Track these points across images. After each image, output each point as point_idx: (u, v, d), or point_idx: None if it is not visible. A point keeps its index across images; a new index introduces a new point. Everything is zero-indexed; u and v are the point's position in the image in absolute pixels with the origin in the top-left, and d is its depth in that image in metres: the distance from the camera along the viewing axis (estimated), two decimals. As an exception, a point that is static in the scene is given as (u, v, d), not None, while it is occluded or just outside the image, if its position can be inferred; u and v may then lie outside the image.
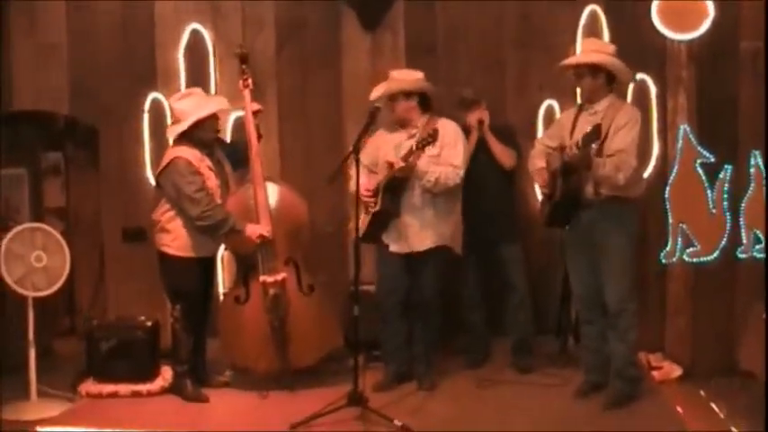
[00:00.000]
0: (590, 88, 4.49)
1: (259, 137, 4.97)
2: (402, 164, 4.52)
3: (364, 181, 4.69)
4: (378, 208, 4.68)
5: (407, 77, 4.83)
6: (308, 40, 5.75)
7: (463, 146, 4.77)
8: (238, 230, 4.69)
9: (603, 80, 4.47)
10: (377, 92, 4.82)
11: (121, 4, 5.74)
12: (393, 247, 4.78)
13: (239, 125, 5.60)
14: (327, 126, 5.72)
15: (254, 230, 4.72)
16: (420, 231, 4.71)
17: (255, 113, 4.95)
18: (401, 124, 4.82)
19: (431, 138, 4.45)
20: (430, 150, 4.54)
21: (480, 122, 5.01)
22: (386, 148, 4.78)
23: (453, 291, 5.26)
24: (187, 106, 4.75)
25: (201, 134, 4.74)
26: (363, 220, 4.72)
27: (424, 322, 4.85)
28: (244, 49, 5.09)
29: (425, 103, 4.84)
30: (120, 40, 5.76)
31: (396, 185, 4.67)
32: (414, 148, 4.49)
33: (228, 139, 5.50)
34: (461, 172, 4.70)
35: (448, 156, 4.68)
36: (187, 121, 4.70)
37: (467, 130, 5.03)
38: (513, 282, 5.15)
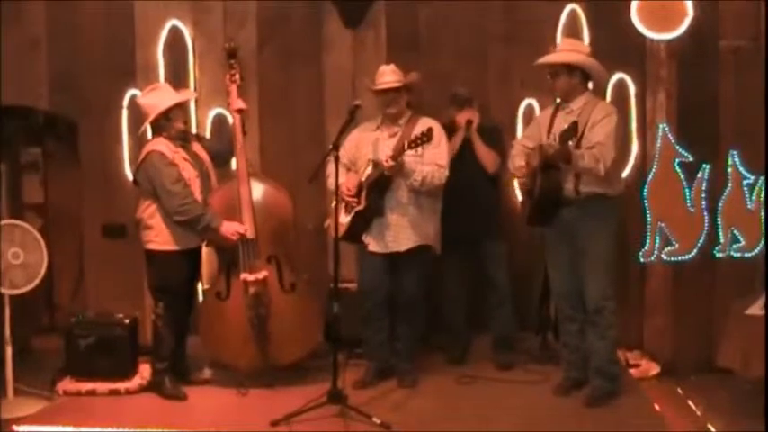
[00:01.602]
0: (565, 87, 4.51)
1: (243, 134, 4.96)
2: (392, 162, 4.48)
3: (344, 180, 4.67)
4: (362, 207, 4.65)
5: (398, 73, 4.78)
6: (290, 37, 5.73)
7: (446, 146, 4.76)
8: (214, 228, 4.68)
9: (579, 79, 4.50)
10: (386, 82, 4.71)
11: (102, -2, 5.72)
12: (374, 247, 4.74)
13: (219, 121, 5.60)
14: (309, 122, 5.71)
15: (229, 228, 4.71)
16: (404, 231, 4.69)
17: (239, 112, 4.92)
18: (393, 120, 4.78)
19: (426, 137, 4.41)
20: (412, 151, 4.51)
21: (469, 123, 5.02)
22: (365, 146, 4.77)
23: (435, 288, 5.28)
24: (152, 100, 4.75)
25: (170, 125, 4.74)
26: (343, 219, 4.70)
27: (408, 321, 4.84)
28: (233, 44, 5.05)
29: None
30: (101, 36, 5.72)
31: (382, 184, 4.64)
32: (406, 146, 4.45)
33: (208, 135, 5.50)
34: (446, 172, 4.68)
35: (433, 155, 4.65)
36: (151, 115, 4.70)
37: (454, 128, 5.04)
38: (495, 279, 5.16)
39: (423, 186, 4.62)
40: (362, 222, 4.69)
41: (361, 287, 4.93)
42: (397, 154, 4.49)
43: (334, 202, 4.69)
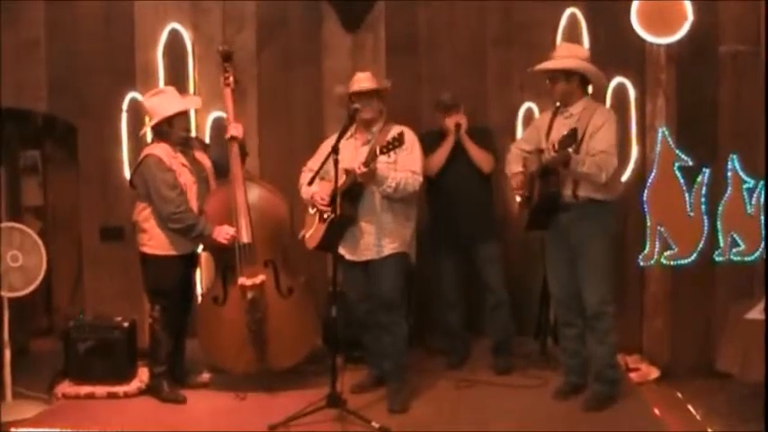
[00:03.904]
0: (564, 92, 4.49)
1: (246, 154, 4.96)
2: (364, 169, 4.40)
3: (316, 189, 4.62)
4: (336, 214, 4.50)
5: (373, 80, 4.72)
6: (289, 40, 5.73)
7: (420, 152, 4.68)
8: (207, 235, 4.68)
9: (577, 84, 4.48)
10: (343, 87, 4.73)
11: (101, 1, 5.70)
12: (350, 256, 4.66)
13: (219, 124, 5.59)
14: (308, 126, 5.71)
15: (220, 233, 4.70)
16: (378, 238, 4.61)
17: (233, 139, 4.85)
18: (366, 126, 4.70)
19: (397, 141, 4.35)
20: (386, 157, 4.44)
21: (458, 126, 5.01)
22: (340, 154, 4.55)
23: (431, 291, 5.28)
24: (156, 104, 4.74)
25: (171, 131, 4.74)
26: (317, 228, 4.66)
27: (389, 331, 4.64)
28: (227, 47, 5.04)
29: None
30: (100, 38, 5.71)
31: (355, 192, 4.56)
32: (378, 152, 4.38)
33: (208, 138, 5.50)
34: (420, 178, 4.62)
35: (406, 162, 4.58)
36: (154, 119, 4.70)
37: (444, 134, 5.04)
38: (490, 282, 5.14)
39: (396, 193, 4.55)
40: (336, 231, 4.58)
41: (350, 298, 4.81)
42: (370, 160, 4.41)
43: (311, 211, 4.69)
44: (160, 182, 4.62)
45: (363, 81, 4.68)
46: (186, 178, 4.72)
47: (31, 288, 4.88)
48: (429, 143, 5.00)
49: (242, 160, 4.89)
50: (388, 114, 4.78)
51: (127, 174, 5.55)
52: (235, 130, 4.89)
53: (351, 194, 4.55)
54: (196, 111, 5.56)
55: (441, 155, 5.03)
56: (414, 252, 4.76)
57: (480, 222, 5.11)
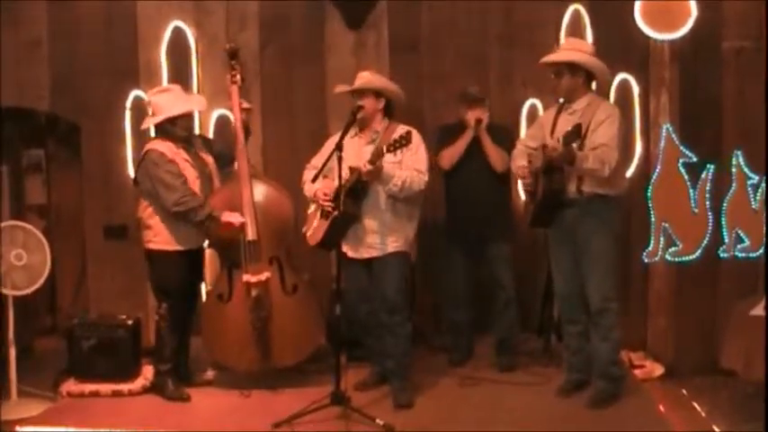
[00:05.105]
0: (568, 87, 4.48)
1: (248, 134, 4.96)
2: (370, 167, 4.39)
3: (320, 185, 4.62)
4: (339, 212, 4.49)
5: (378, 78, 4.75)
6: (292, 38, 5.75)
7: (425, 152, 4.65)
8: (215, 217, 4.65)
9: (582, 79, 4.47)
10: (342, 87, 4.73)
11: (103, 0, 5.71)
12: (353, 254, 4.65)
13: (223, 122, 5.60)
14: (311, 123, 5.72)
15: (229, 217, 4.69)
16: (381, 236, 4.59)
17: (244, 111, 4.91)
18: (362, 125, 4.68)
19: (404, 140, 4.34)
20: (391, 156, 4.44)
21: (478, 121, 5.00)
22: (344, 152, 4.54)
23: (438, 287, 5.28)
24: (162, 101, 4.74)
25: (174, 131, 4.74)
26: (319, 225, 4.66)
27: (392, 332, 4.63)
28: (233, 45, 5.05)
29: (388, 109, 4.73)
30: (103, 37, 5.73)
31: (359, 190, 4.55)
32: (384, 149, 4.37)
33: (211, 136, 5.51)
34: (426, 177, 4.59)
35: (411, 161, 4.56)
36: (158, 116, 4.72)
37: (463, 127, 5.03)
38: (501, 281, 5.12)
39: (402, 192, 4.53)
40: (339, 228, 4.56)
41: (351, 298, 4.76)
42: (376, 158, 4.40)
43: (311, 209, 4.68)
44: (164, 172, 4.62)
45: (358, 79, 4.68)
46: (189, 173, 4.72)
47: (35, 287, 4.88)
48: (445, 136, 5.01)
49: (245, 137, 4.89)
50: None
51: (131, 172, 5.56)
52: (246, 103, 4.96)
53: (354, 192, 4.54)
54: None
55: (458, 147, 5.01)
56: (414, 252, 4.75)
57: (492, 221, 5.07)
